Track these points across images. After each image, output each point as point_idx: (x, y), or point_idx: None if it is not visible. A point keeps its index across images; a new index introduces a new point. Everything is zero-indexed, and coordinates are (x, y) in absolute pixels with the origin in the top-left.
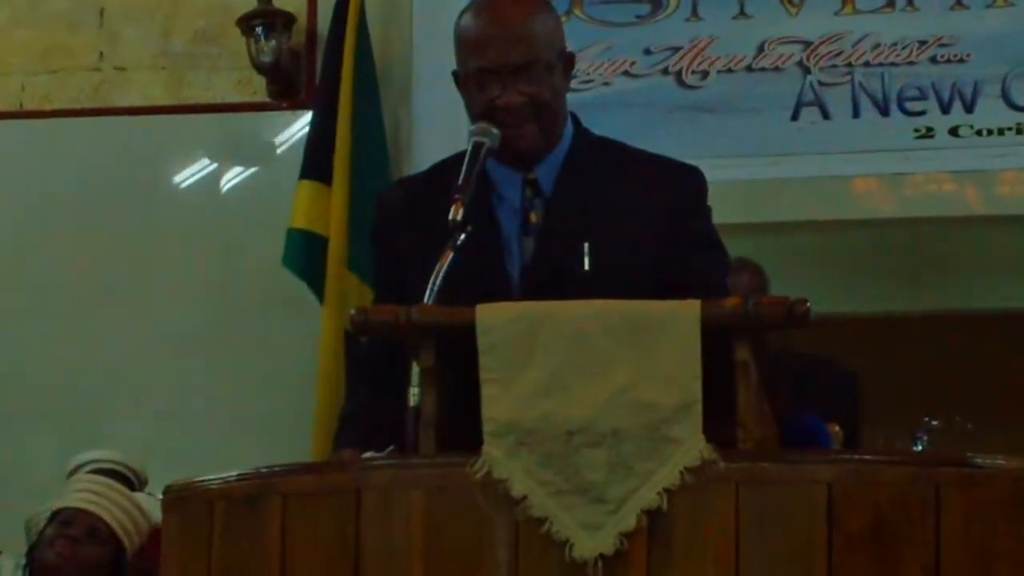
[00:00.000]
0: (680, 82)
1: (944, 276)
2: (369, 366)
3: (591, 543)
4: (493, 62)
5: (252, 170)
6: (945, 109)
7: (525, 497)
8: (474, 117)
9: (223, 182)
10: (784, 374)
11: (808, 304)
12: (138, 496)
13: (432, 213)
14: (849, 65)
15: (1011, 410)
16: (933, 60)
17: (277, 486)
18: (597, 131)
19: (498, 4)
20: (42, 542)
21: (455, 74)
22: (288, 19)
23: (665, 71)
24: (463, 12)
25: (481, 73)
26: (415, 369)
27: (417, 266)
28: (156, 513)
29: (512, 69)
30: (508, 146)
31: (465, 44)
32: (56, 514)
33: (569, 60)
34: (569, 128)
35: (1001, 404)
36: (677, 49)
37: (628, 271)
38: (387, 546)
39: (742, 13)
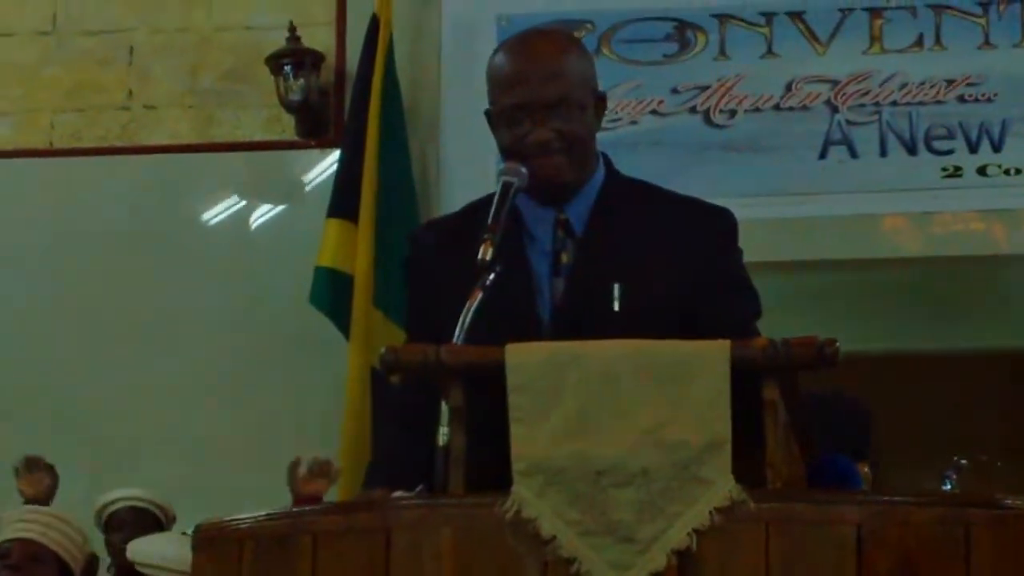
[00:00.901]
0: (708, 121)
1: (973, 314)
2: (399, 405)
3: None
4: (525, 99)
5: (280, 208)
6: (973, 148)
7: (554, 537)
8: (505, 154)
9: (251, 220)
10: (813, 414)
11: (838, 344)
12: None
13: (464, 253)
14: (877, 104)
15: None
16: (961, 99)
17: (307, 526)
18: (624, 170)
19: (532, 42)
20: None
21: (487, 113)
22: (317, 58)
23: (693, 110)
24: (496, 50)
25: (513, 110)
26: (444, 408)
27: (449, 306)
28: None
29: (544, 106)
30: (537, 178)
31: (498, 81)
32: None
33: (601, 100)
34: (600, 169)
35: None
36: (705, 88)
37: (658, 312)
38: None
39: (770, 52)
